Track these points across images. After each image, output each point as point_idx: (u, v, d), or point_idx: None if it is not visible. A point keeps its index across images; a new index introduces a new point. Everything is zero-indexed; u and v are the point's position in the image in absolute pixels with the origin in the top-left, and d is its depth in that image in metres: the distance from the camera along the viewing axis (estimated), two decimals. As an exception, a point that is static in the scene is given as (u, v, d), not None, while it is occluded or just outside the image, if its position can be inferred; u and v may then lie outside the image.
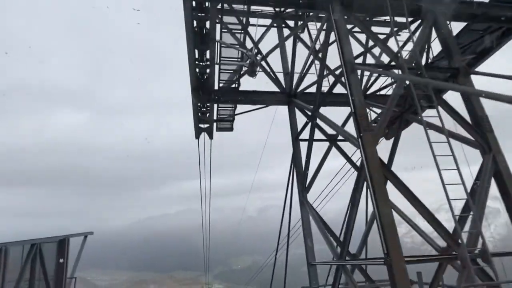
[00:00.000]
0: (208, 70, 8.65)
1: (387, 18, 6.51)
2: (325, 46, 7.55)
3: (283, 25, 10.22)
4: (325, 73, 8.20)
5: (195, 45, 7.67)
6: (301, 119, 9.75)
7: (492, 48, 7.55)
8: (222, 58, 8.37)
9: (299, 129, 9.29)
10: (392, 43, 6.72)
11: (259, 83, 9.95)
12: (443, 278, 4.96)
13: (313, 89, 9.68)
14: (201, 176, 12.49)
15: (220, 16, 7.98)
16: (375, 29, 9.08)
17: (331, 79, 8.96)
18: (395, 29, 6.58)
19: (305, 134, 9.36)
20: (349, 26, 6.92)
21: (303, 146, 9.08)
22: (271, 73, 9.53)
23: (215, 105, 10.38)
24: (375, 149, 4.75)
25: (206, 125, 11.24)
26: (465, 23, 7.67)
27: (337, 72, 8.56)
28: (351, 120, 10.35)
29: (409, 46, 7.10)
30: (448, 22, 6.68)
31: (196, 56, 8.21)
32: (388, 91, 10.16)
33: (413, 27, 7.45)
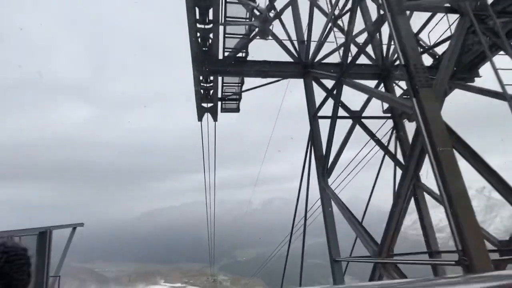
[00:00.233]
0: (211, 35, 7.36)
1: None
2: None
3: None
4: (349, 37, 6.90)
5: (195, 0, 6.39)
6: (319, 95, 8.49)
7: None
8: (227, 18, 7.07)
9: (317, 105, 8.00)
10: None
11: (270, 54, 8.65)
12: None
13: (331, 59, 8.39)
14: (204, 164, 11.33)
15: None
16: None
17: (353, 50, 7.68)
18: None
19: (324, 112, 8.09)
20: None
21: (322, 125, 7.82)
22: (284, 41, 8.23)
23: (220, 80, 9.11)
24: (437, 107, 3.50)
25: (209, 105, 9.99)
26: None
27: (362, 39, 7.28)
28: (373, 101, 9.15)
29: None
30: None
31: (197, 17, 6.92)
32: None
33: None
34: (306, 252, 8.62)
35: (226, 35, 7.51)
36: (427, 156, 3.45)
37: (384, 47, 8.62)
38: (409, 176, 4.24)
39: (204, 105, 9.87)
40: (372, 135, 7.83)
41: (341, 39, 7.69)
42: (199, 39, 7.49)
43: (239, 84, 9.46)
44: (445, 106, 5.32)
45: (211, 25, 7.06)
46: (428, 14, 7.63)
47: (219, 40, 7.49)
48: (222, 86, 9.38)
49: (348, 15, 6.83)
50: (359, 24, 8.83)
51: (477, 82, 8.23)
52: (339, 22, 8.38)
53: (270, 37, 7.25)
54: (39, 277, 5.69)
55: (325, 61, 8.31)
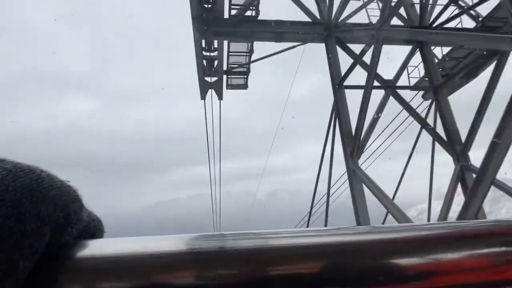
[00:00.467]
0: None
1: None
2: None
3: None
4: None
5: None
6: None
7: None
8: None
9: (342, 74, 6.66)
10: None
11: (284, 14, 7.29)
12: None
13: (356, 19, 7.04)
14: (209, 146, 10.10)
15: None
16: None
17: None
18: None
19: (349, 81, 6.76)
20: None
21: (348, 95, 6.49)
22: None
23: (225, 48, 7.80)
24: None
25: (213, 79, 8.70)
26: None
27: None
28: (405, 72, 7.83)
29: None
30: None
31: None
32: (458, 24, 7.49)
33: None
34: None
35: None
36: None
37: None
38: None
39: (208, 79, 8.59)
40: (409, 107, 6.51)
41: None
42: (201, -8, 6.19)
43: (248, 54, 8.12)
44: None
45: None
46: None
47: (224, -7, 6.21)
48: (228, 56, 8.07)
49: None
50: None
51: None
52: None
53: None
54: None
55: (350, 21, 6.96)
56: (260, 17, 6.79)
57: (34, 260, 0.21)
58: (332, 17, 6.95)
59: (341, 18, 6.88)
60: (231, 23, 6.61)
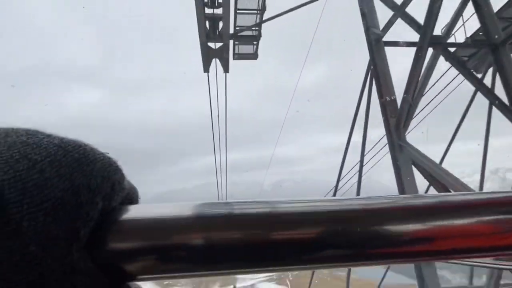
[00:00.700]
0: None
1: None
2: None
3: None
4: None
5: None
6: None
7: None
8: None
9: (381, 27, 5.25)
10: None
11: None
12: None
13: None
14: (213, 128, 8.85)
15: None
16: None
17: None
18: None
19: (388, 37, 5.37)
20: None
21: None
22: None
23: (232, 4, 6.44)
24: None
25: (218, 45, 7.37)
26: None
27: None
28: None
29: None
30: None
31: None
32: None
33: None
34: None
35: None
36: None
37: None
38: None
39: (211, 45, 7.26)
40: (463, 67, 5.13)
41: None
42: None
43: (259, 12, 6.76)
44: None
45: None
46: None
47: None
48: (235, 15, 6.72)
49: None
50: None
51: None
52: None
53: None
54: None
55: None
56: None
57: (91, 226, 0.24)
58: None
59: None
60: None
